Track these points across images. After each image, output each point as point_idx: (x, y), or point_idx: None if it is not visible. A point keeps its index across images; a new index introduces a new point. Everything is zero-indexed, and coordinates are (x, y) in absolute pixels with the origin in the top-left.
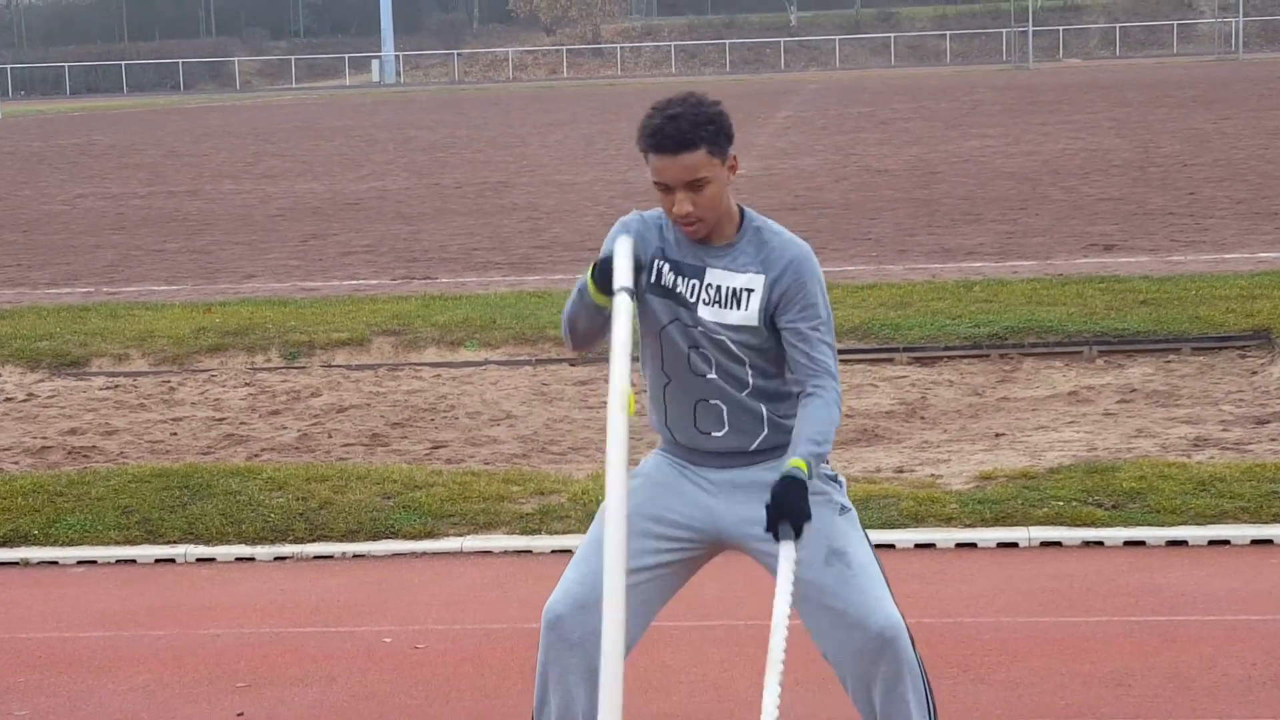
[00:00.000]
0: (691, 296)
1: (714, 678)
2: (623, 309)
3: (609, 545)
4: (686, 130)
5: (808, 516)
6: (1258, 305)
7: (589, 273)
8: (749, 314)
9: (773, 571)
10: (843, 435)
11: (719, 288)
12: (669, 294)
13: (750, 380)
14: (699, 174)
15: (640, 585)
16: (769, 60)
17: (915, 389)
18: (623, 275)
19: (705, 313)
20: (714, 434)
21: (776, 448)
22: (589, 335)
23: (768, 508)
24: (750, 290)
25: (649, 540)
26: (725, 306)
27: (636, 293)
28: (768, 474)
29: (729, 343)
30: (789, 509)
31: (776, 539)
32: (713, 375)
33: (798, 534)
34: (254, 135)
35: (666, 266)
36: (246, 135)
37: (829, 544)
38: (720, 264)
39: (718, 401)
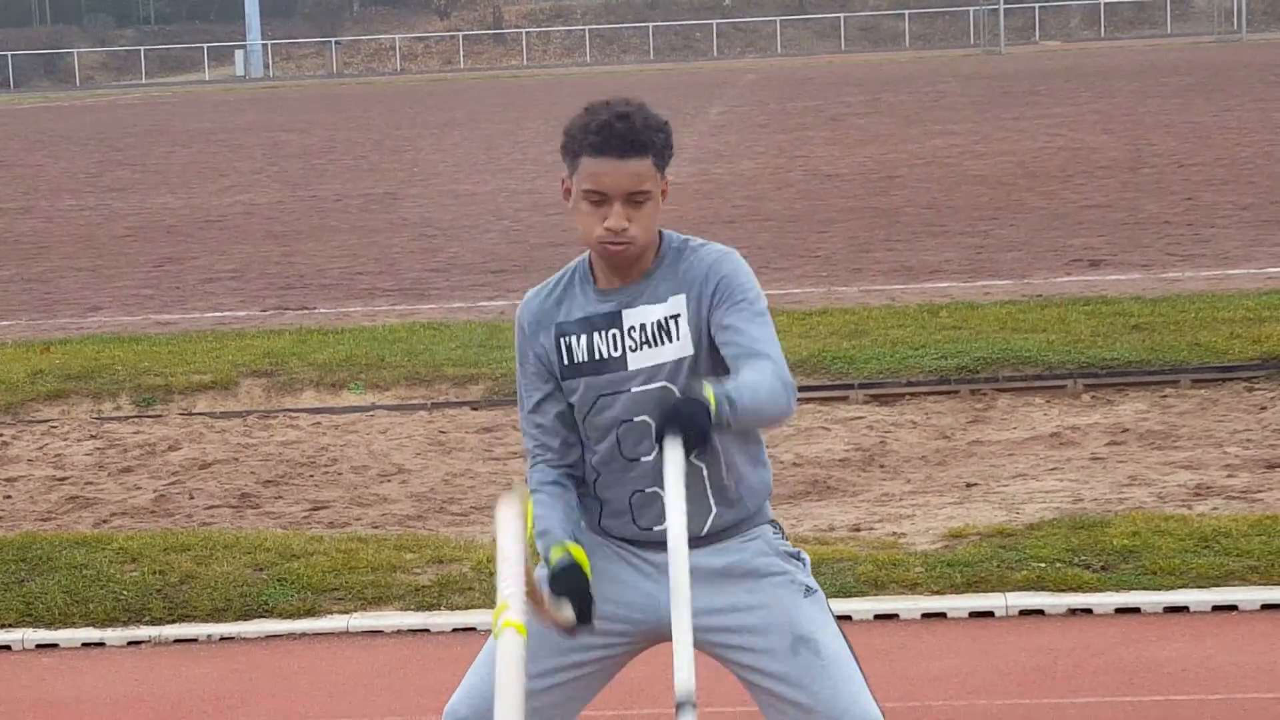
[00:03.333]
0: (615, 350)
1: None
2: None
3: None
4: (639, 131)
5: (702, 431)
6: (1266, 329)
7: (552, 556)
8: (682, 343)
9: (726, 663)
10: (789, 488)
11: (642, 326)
12: (585, 370)
13: None
14: (643, 185)
15: (564, 684)
16: (699, 46)
17: (873, 432)
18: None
19: (636, 360)
20: (656, 528)
21: (729, 527)
22: None
23: (659, 415)
24: (675, 316)
25: (555, 646)
26: (655, 344)
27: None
28: (719, 557)
29: (672, 391)
30: (681, 415)
31: (661, 446)
32: (648, 457)
33: (689, 449)
34: (97, 141)
35: (575, 338)
36: (88, 141)
37: (794, 631)
38: (639, 301)
39: (656, 489)
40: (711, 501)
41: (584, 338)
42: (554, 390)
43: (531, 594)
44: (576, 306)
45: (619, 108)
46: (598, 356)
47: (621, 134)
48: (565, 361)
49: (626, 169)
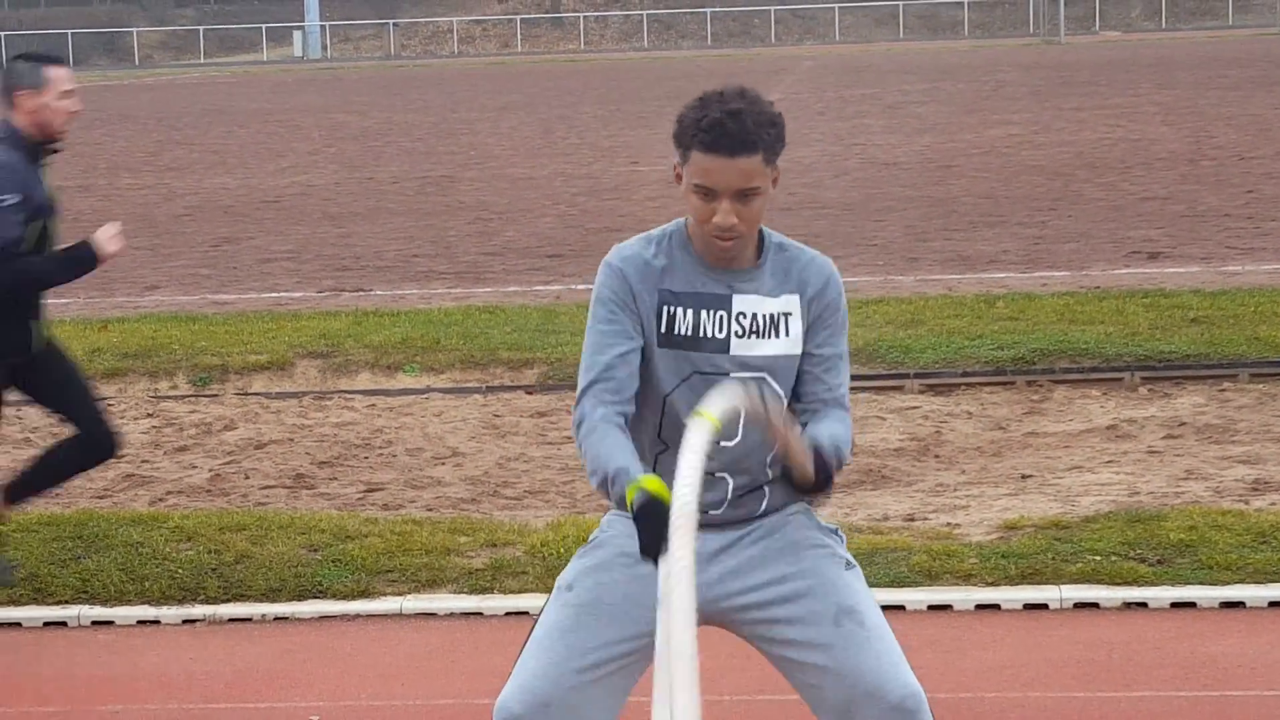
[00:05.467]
0: (720, 332)
1: None
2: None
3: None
4: (750, 130)
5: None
6: None
7: (628, 497)
8: (792, 340)
9: (766, 651)
10: (844, 476)
11: (752, 315)
12: (684, 343)
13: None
14: (753, 182)
15: (609, 676)
16: (757, 32)
17: (928, 422)
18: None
19: (738, 346)
20: (711, 511)
21: (779, 509)
22: None
23: (816, 464)
24: (788, 314)
25: (617, 624)
26: (763, 336)
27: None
28: (762, 539)
29: (770, 382)
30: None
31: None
32: (727, 443)
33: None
34: (156, 120)
35: (681, 310)
36: (147, 120)
37: (838, 600)
38: (748, 289)
39: (724, 474)
40: (768, 486)
41: (690, 312)
42: (639, 346)
43: None
44: (682, 277)
45: (731, 103)
46: (702, 334)
47: (734, 133)
48: (664, 330)
49: (736, 167)
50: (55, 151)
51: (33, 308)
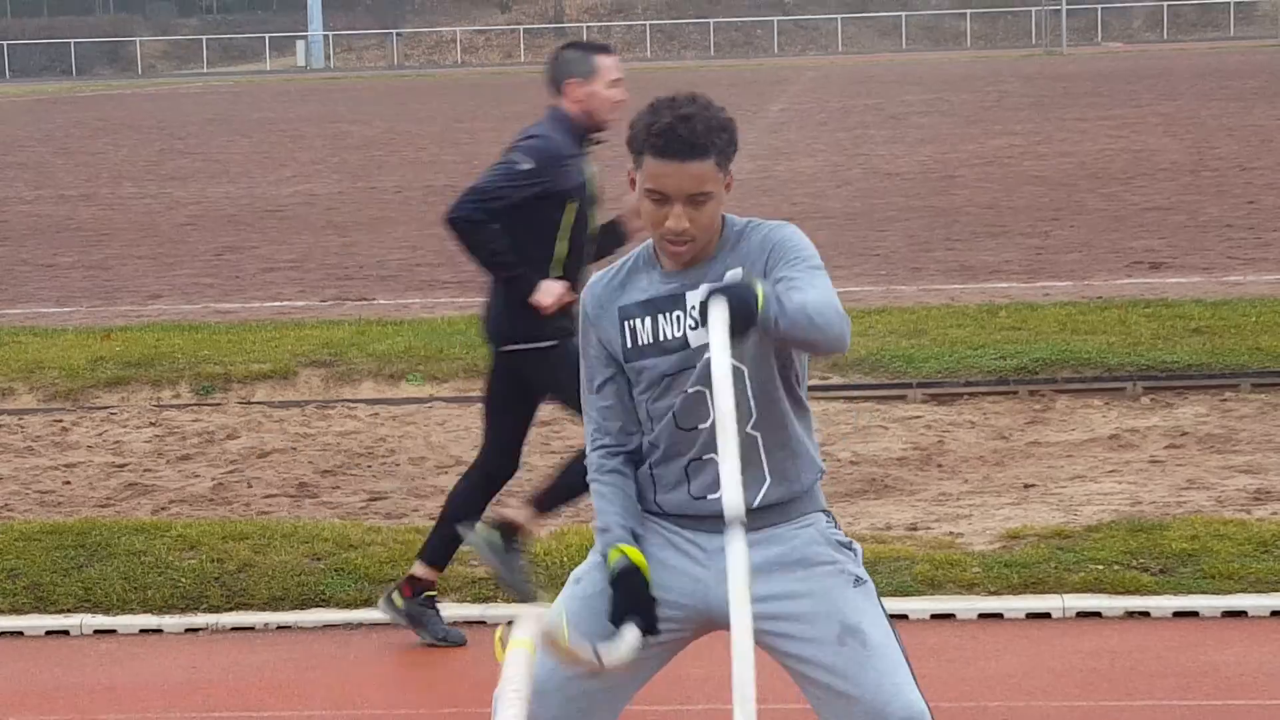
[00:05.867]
0: (677, 331)
1: None
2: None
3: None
4: (700, 134)
5: (749, 308)
6: None
7: (610, 559)
8: None
9: (773, 652)
10: (847, 486)
11: (701, 304)
12: (649, 351)
13: (753, 407)
14: (704, 187)
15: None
16: (760, 43)
17: (931, 431)
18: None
19: (696, 337)
20: (710, 496)
21: (780, 504)
22: None
23: (704, 291)
24: None
25: None
26: None
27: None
28: (772, 546)
29: (740, 367)
30: (729, 289)
31: (704, 320)
32: (704, 424)
33: (735, 328)
34: (159, 129)
35: (639, 320)
36: (150, 129)
37: (842, 620)
38: (702, 282)
39: (712, 455)
40: (766, 471)
41: (648, 320)
42: (616, 373)
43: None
44: (639, 290)
45: (682, 108)
46: (662, 338)
47: (684, 136)
48: (629, 344)
49: (687, 171)
50: (598, 142)
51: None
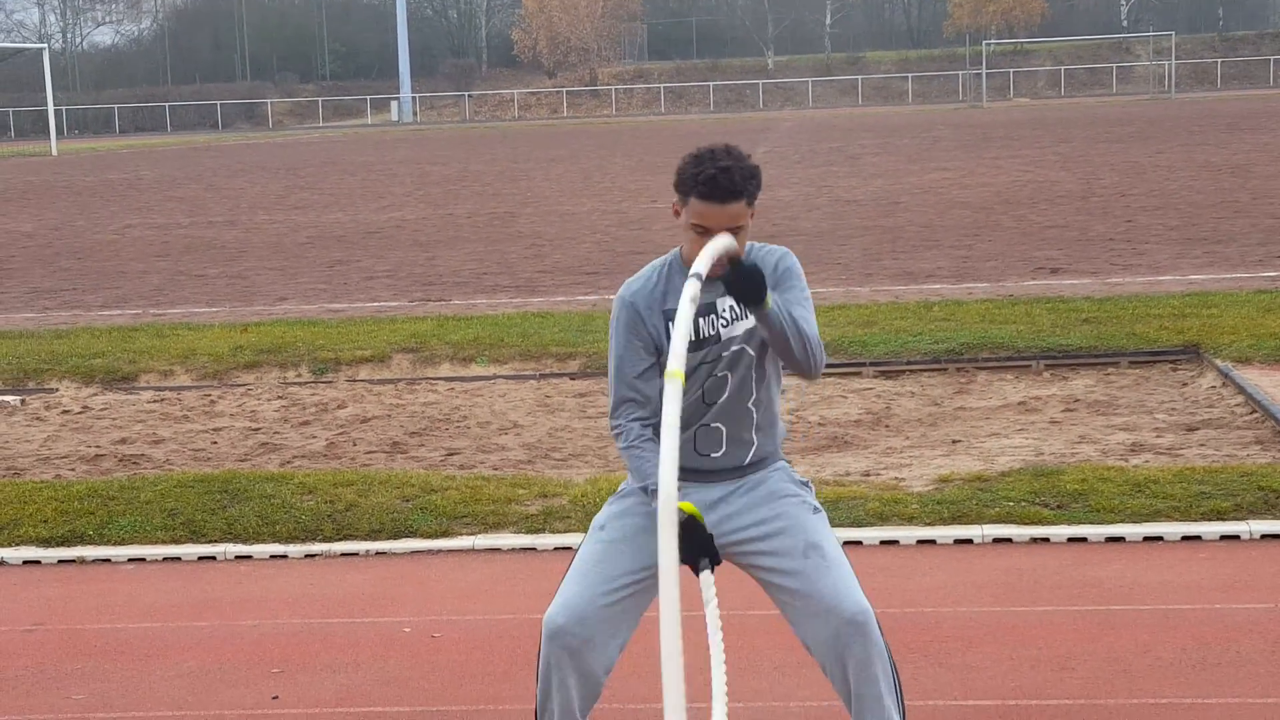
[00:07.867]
0: (712, 330)
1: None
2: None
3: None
4: (738, 182)
5: (760, 285)
6: (1188, 323)
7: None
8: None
9: (754, 576)
10: (814, 442)
11: (730, 307)
12: (690, 347)
13: (755, 390)
14: (738, 221)
15: (629, 598)
16: (749, 100)
17: (880, 400)
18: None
19: (727, 333)
20: (712, 454)
21: (764, 459)
22: None
23: (734, 273)
24: None
25: (637, 556)
26: (740, 318)
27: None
28: (756, 488)
29: (747, 350)
30: (748, 274)
31: (741, 300)
32: (724, 398)
33: (754, 298)
34: (285, 170)
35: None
36: (278, 170)
37: (806, 538)
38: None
39: (719, 424)
40: (754, 436)
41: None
42: (655, 362)
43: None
44: (674, 297)
45: (721, 160)
46: (703, 336)
47: (725, 185)
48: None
49: (727, 212)
50: None
51: None
